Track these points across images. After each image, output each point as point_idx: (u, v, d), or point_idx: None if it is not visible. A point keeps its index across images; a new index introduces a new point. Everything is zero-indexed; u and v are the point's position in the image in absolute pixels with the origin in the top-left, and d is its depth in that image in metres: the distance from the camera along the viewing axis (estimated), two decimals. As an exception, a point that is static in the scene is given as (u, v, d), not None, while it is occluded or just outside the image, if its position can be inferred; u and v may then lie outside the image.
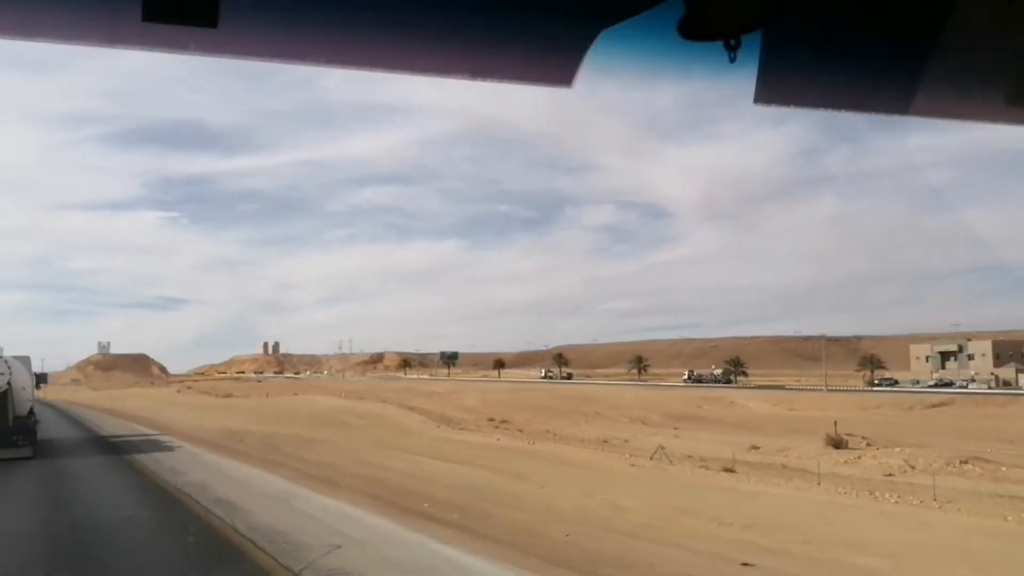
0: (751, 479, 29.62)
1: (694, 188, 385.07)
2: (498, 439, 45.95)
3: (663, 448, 37.27)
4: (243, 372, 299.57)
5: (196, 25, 1.36)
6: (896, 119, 1.84)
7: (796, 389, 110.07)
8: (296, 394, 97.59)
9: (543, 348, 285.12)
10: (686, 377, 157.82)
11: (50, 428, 40.23)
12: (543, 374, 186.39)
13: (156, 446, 29.64)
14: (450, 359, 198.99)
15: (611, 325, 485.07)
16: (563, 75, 1.66)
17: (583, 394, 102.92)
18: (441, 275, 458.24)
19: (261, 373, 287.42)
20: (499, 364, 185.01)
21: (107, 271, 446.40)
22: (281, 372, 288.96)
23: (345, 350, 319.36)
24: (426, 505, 18.06)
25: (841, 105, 1.85)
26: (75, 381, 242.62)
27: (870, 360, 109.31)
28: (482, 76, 1.72)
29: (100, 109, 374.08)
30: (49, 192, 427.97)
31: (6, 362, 28.67)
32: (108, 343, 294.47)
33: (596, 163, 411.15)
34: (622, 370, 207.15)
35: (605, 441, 47.16)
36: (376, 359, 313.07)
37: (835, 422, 46.54)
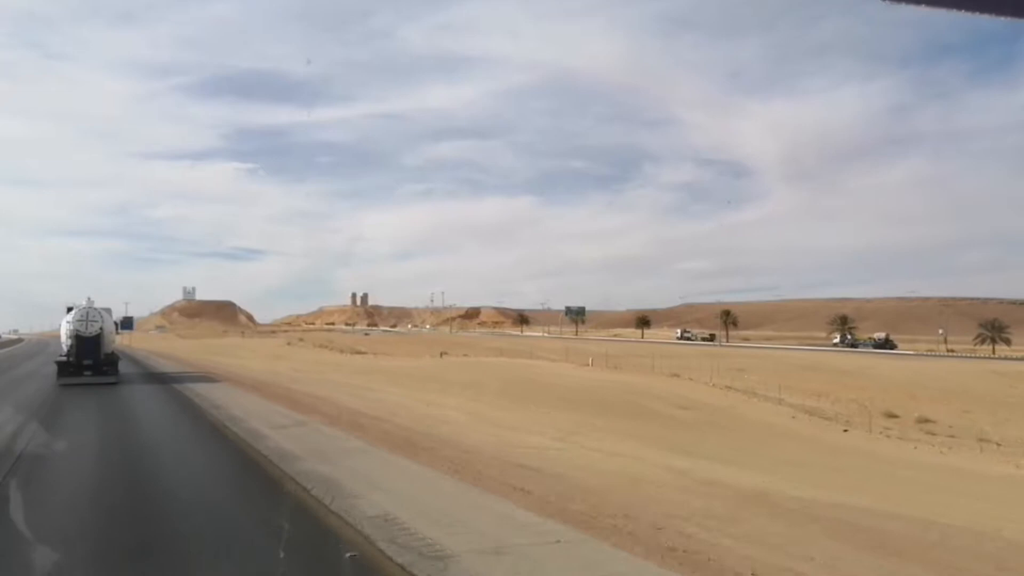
0: None
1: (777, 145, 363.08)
2: None
3: None
4: (333, 323, 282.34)
5: None
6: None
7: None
8: (444, 353, 73.65)
9: (658, 306, 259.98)
10: (837, 341, 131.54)
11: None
12: (679, 334, 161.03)
13: None
14: (577, 315, 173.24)
15: (691, 286, 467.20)
16: None
17: (824, 365, 76.14)
18: (515, 231, 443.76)
19: (353, 325, 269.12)
20: (643, 322, 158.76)
21: (188, 220, 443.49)
22: (375, 325, 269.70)
23: (437, 304, 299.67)
24: None
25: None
26: (159, 327, 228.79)
27: None
28: None
29: (182, 59, 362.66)
30: (133, 141, 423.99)
31: (99, 312, 35.36)
32: (193, 288, 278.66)
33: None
34: (768, 331, 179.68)
35: None
36: (472, 314, 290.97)
37: None
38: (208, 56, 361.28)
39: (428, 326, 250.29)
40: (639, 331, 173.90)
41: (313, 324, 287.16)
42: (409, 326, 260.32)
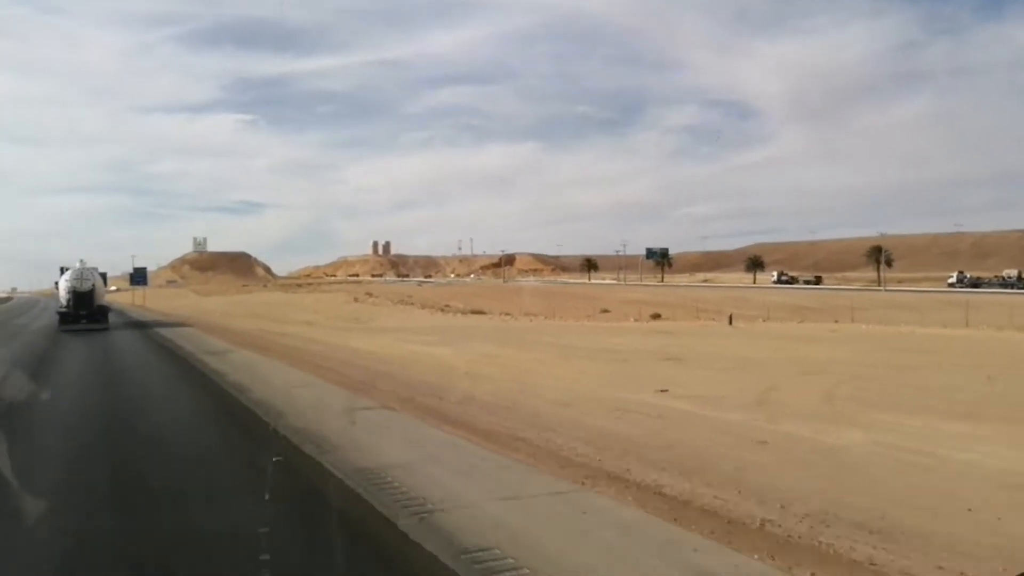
0: None
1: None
2: None
3: None
4: (357, 275, 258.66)
5: None
6: None
7: None
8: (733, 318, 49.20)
9: (722, 248, 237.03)
10: (952, 280, 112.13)
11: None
12: (776, 278, 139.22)
13: None
14: (662, 259, 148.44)
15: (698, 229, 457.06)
16: None
17: None
18: (519, 178, 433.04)
19: (381, 275, 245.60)
20: (756, 264, 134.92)
21: (189, 174, 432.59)
22: (406, 275, 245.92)
23: (465, 251, 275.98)
24: None
25: None
26: (171, 282, 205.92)
27: None
28: None
29: (177, 8, 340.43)
30: (130, 95, 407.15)
31: (91, 271, 43.30)
32: (204, 239, 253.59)
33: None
34: (871, 272, 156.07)
35: None
36: (507, 261, 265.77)
37: None
38: (204, 5, 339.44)
39: (472, 276, 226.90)
40: (720, 275, 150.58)
41: (335, 275, 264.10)
42: (451, 275, 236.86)
